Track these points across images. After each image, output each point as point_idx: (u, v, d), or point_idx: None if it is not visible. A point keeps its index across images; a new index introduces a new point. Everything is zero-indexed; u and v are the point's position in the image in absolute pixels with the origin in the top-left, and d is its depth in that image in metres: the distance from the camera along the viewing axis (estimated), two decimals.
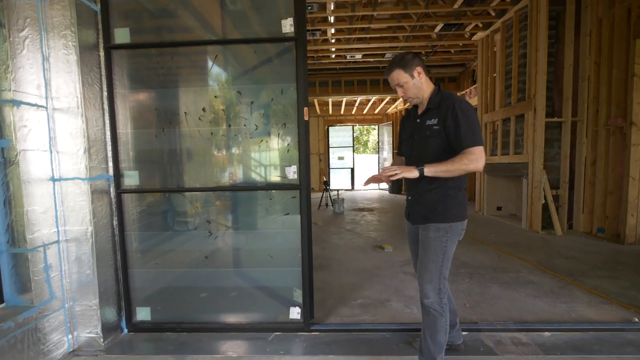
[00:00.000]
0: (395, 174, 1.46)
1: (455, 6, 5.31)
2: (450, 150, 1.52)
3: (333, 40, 6.85)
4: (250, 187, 2.29)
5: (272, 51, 2.20)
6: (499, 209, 6.36)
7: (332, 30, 6.37)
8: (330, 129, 11.90)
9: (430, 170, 1.46)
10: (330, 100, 10.00)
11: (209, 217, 2.30)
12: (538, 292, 2.76)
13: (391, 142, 10.99)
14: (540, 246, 4.15)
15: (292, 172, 2.14)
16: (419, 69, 1.59)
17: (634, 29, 4.03)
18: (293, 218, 2.17)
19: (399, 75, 1.59)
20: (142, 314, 2.27)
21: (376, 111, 11.60)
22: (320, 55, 7.71)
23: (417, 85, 1.60)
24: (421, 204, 1.63)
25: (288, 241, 2.19)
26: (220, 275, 2.32)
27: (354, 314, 2.41)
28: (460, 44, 7.18)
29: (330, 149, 11.83)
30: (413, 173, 1.46)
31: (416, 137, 1.66)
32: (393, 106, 10.75)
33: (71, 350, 2.02)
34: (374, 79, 8.98)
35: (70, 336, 2.02)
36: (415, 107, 1.72)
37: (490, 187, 6.39)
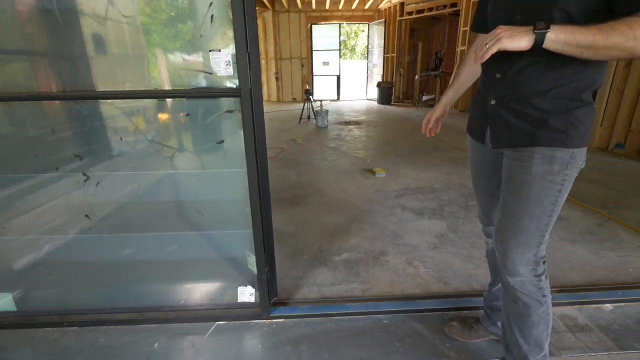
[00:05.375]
0: (489, 48, 0.76)
1: None
2: (590, 15, 0.75)
3: None
4: (143, 93, 1.26)
5: None
6: None
7: None
8: (314, 27, 10.00)
9: (558, 38, 0.73)
10: None
11: (77, 150, 1.33)
12: (573, 234, 2.13)
13: (382, 45, 9.39)
14: None
15: (223, 63, 1.14)
16: None
17: None
18: (234, 148, 1.25)
19: None
20: (1, 303, 1.48)
21: (367, 6, 9.58)
22: None
23: None
24: (520, 113, 0.89)
25: (228, 187, 1.33)
26: (122, 242, 1.49)
27: (336, 279, 1.71)
28: None
29: (313, 52, 10.12)
30: (521, 40, 0.74)
31: None
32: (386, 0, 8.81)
33: None
34: None
35: None
36: None
37: None
